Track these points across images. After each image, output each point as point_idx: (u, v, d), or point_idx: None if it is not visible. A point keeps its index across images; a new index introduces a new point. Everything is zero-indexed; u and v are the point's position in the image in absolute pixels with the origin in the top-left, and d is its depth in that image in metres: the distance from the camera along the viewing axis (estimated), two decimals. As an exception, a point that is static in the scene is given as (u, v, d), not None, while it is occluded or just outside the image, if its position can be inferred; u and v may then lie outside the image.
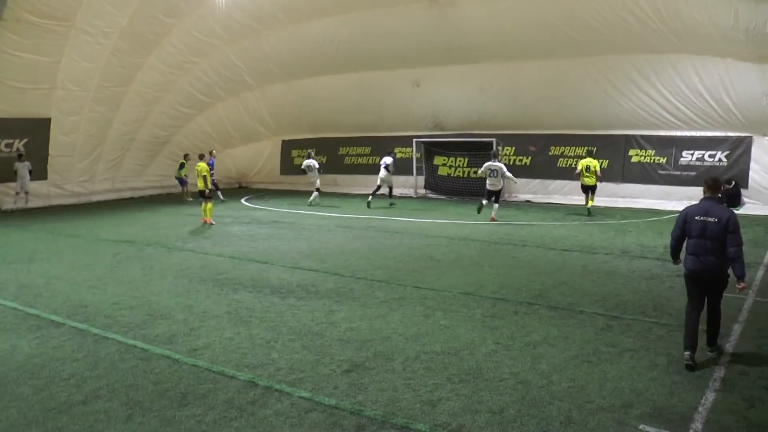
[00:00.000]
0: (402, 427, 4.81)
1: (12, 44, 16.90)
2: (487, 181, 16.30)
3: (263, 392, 5.47)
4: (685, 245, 6.31)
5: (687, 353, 6.00)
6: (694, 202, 6.59)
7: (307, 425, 4.85)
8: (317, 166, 20.42)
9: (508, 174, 16.29)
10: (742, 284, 6.00)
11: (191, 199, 21.71)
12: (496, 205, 16.35)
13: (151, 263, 11.15)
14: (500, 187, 16.42)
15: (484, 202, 16.34)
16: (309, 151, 21.98)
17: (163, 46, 20.56)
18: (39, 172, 19.89)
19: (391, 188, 20.46)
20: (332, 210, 18.97)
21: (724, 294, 6.26)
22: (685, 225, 6.23)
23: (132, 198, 23.17)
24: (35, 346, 6.66)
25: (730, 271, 6.10)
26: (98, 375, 5.85)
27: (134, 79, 20.80)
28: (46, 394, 5.42)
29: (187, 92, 23.02)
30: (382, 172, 19.91)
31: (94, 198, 21.82)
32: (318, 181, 20.34)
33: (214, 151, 22.52)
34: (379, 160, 20.58)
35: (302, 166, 20.81)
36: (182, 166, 22.65)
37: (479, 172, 16.76)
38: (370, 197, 19.68)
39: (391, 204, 20.00)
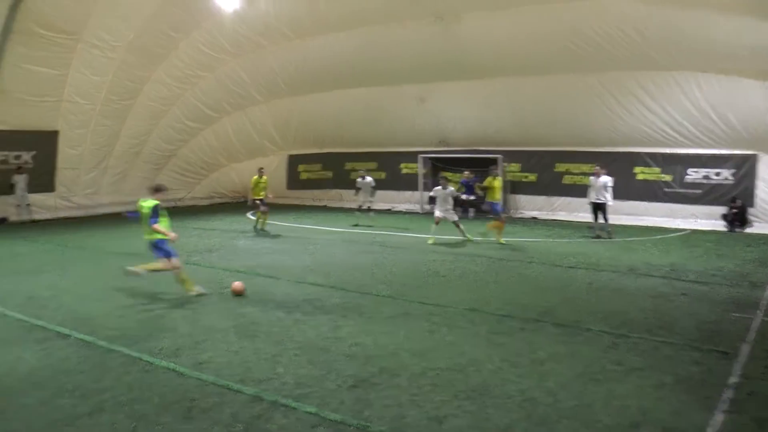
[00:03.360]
0: (408, 444, 4.76)
1: (20, 56, 17.06)
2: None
3: (269, 407, 5.42)
4: None
5: None
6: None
7: (313, 441, 4.81)
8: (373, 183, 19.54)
9: None
10: None
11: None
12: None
13: (158, 276, 11.13)
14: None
15: None
16: (362, 171, 20.46)
17: (170, 60, 20.75)
18: (46, 185, 20.03)
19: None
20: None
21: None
22: None
23: (138, 211, 23.21)
24: (41, 358, 6.64)
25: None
26: (103, 387, 5.82)
27: (141, 92, 20.96)
28: (51, 406, 5.40)
29: (194, 106, 23.17)
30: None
31: (101, 210, 21.83)
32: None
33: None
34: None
35: (359, 185, 19.62)
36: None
37: None
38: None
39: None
